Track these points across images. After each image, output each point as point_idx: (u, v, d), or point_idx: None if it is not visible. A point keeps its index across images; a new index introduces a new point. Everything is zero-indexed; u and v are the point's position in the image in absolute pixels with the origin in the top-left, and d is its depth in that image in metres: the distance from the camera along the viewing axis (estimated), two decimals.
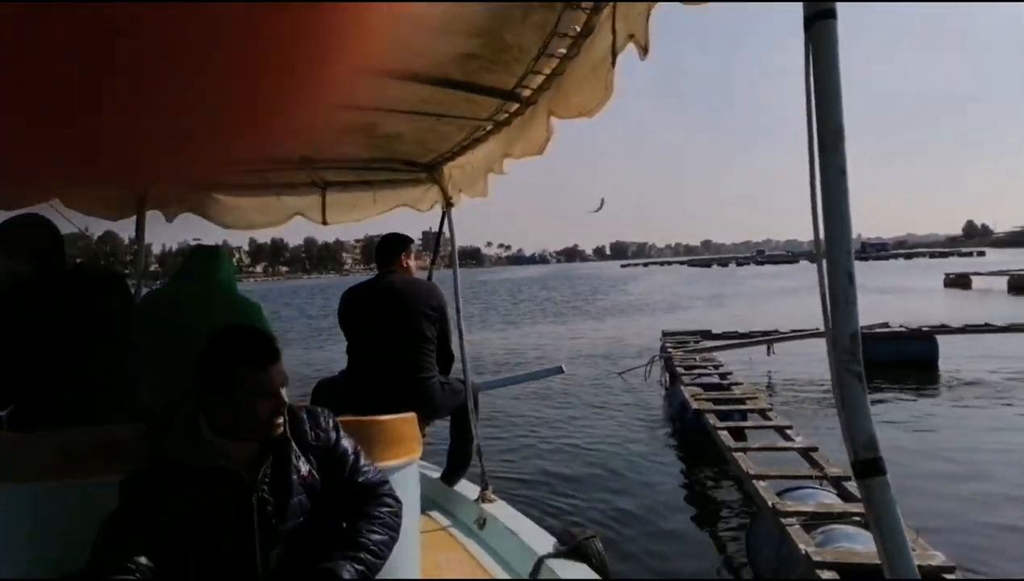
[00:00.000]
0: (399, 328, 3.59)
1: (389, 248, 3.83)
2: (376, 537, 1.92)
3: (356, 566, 1.83)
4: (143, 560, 1.71)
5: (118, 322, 2.66)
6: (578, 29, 2.06)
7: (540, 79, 2.50)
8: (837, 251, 0.92)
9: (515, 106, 2.82)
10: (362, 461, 2.04)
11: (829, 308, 0.91)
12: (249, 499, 1.83)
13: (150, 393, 2.90)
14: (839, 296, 0.91)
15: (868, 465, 0.90)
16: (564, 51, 2.23)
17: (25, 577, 2.12)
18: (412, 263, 3.87)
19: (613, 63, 1.91)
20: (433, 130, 3.37)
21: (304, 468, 1.92)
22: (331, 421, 2.06)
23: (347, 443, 2.04)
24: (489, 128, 3.19)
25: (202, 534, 1.81)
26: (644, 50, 1.71)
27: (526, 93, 2.67)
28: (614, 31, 1.83)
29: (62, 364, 2.48)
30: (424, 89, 2.67)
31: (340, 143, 3.65)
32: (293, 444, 1.93)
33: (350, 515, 1.98)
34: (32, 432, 2.40)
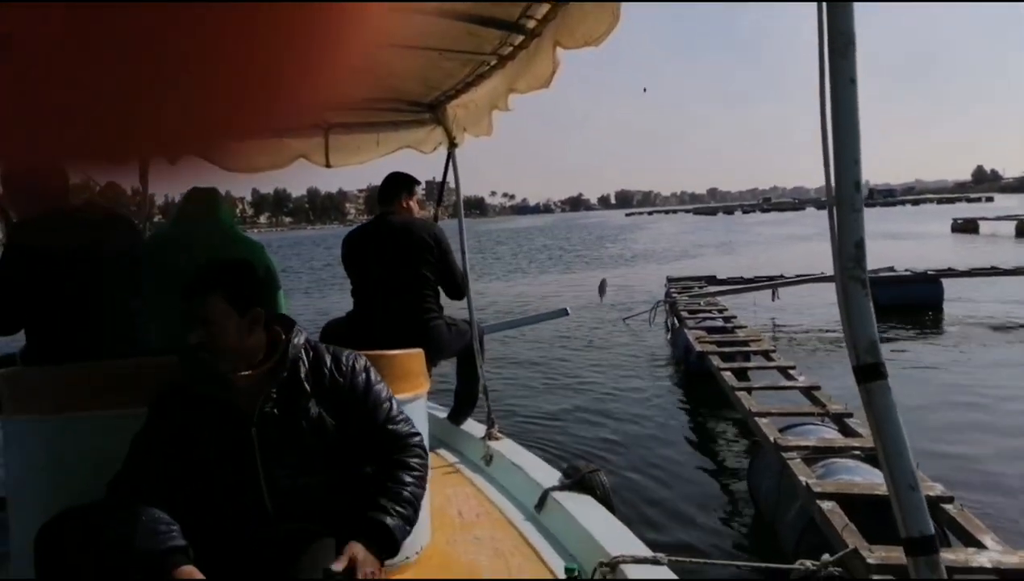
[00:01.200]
0: (399, 270, 3.59)
1: (388, 188, 3.79)
2: (415, 490, 1.94)
3: (399, 518, 1.86)
4: (156, 482, 1.80)
5: (124, 260, 2.69)
6: None
7: (545, 8, 2.45)
8: (846, 159, 0.92)
9: (520, 39, 2.77)
10: (395, 410, 2.04)
11: (835, 214, 0.92)
12: (248, 432, 1.87)
13: (157, 329, 2.95)
14: (845, 203, 0.91)
15: (870, 369, 0.92)
16: None
17: (40, 505, 2.18)
18: (414, 204, 3.83)
19: None
20: (436, 67, 3.32)
21: (314, 410, 1.92)
22: (361, 364, 2.05)
23: (381, 389, 2.04)
24: (493, 63, 3.15)
25: (204, 460, 1.86)
26: None
27: (531, 24, 2.63)
28: None
29: (71, 299, 2.52)
30: (426, 21, 2.62)
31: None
32: (306, 385, 1.94)
33: (382, 462, 1.99)
34: (45, 367, 2.45)
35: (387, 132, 4.57)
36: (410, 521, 1.90)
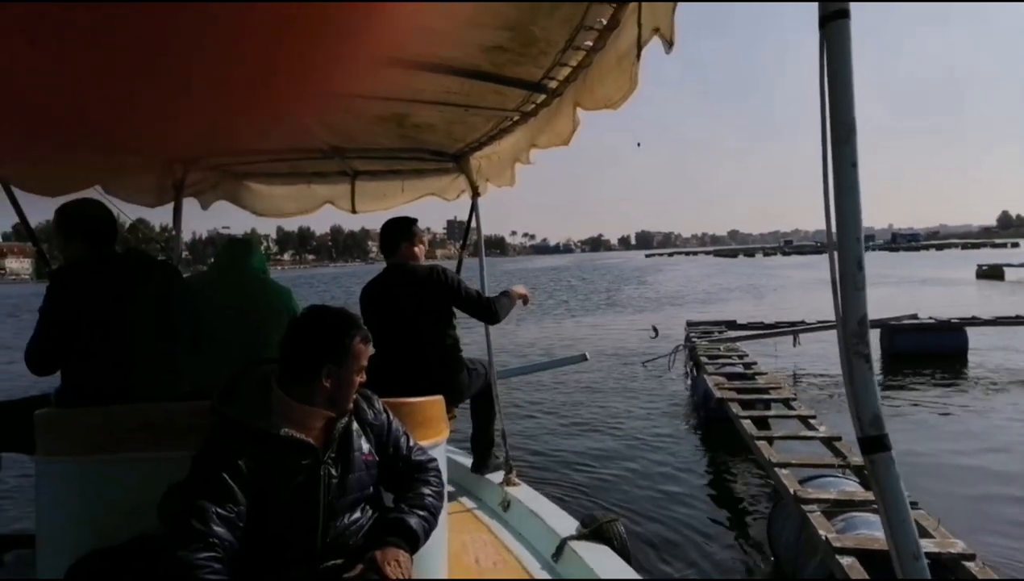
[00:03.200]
0: (417, 321, 3.57)
1: (388, 238, 3.73)
2: (434, 501, 2.07)
3: (419, 518, 1.98)
4: (223, 531, 1.74)
5: (162, 305, 2.78)
6: (604, 22, 2.10)
7: (566, 71, 2.55)
8: (848, 239, 0.98)
9: (541, 97, 2.87)
10: (412, 441, 2.19)
11: (839, 292, 0.97)
12: (318, 470, 1.92)
13: (193, 372, 3.03)
14: (848, 282, 0.97)
15: (874, 441, 0.96)
16: (591, 43, 2.27)
17: (69, 545, 2.21)
18: (419, 248, 3.73)
19: (638, 56, 1.95)
20: (461, 121, 3.44)
21: (365, 446, 2.03)
22: (381, 403, 2.18)
23: (398, 424, 2.18)
24: (516, 118, 3.25)
25: (271, 500, 1.87)
26: (669, 44, 1.75)
27: (552, 84, 2.72)
28: (639, 25, 1.88)
29: (109, 344, 2.61)
30: (452, 80, 2.74)
31: (370, 132, 3.73)
32: (359, 425, 2.05)
33: (402, 487, 2.11)
34: (79, 408, 2.52)
35: (412, 180, 4.71)
36: (430, 525, 2.01)
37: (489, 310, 3.66)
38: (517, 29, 2.22)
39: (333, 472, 1.94)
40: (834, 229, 0.99)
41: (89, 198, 2.98)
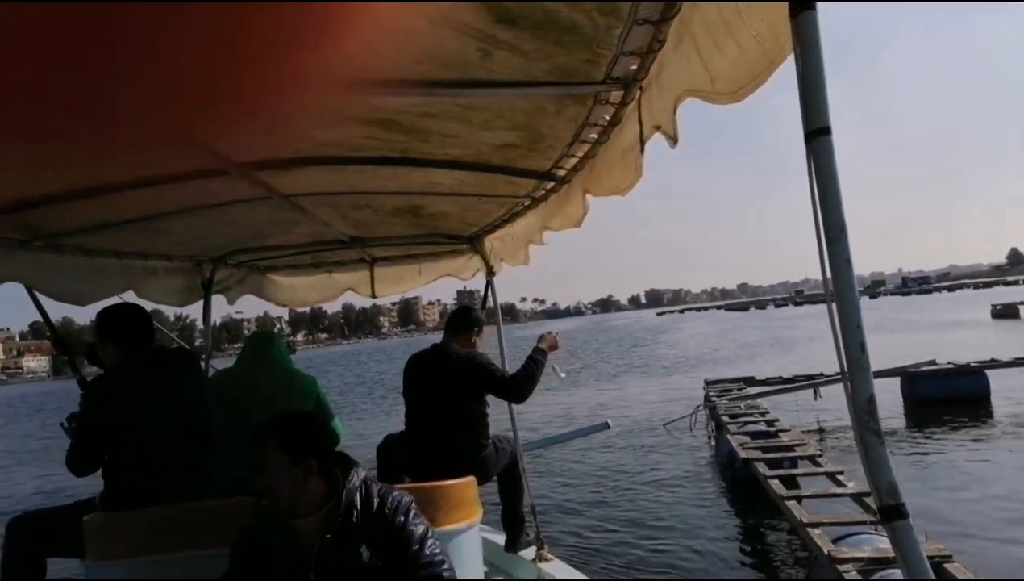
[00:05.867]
0: (453, 399, 3.64)
1: (459, 321, 3.85)
2: None
3: None
4: None
5: (194, 402, 2.89)
6: (607, 120, 2.26)
7: (574, 161, 2.70)
8: (849, 326, 1.09)
9: (551, 185, 3.03)
10: (428, 547, 2.07)
11: (847, 374, 1.07)
12: (307, 577, 1.98)
13: (222, 468, 3.13)
14: (854, 365, 1.07)
15: (891, 510, 1.04)
16: (596, 137, 2.43)
17: None
18: (478, 342, 3.84)
19: (642, 149, 2.09)
20: (474, 208, 3.61)
21: (365, 554, 2.01)
22: (406, 503, 2.11)
23: (417, 527, 2.09)
24: (527, 204, 3.42)
25: None
26: (674, 140, 1.87)
27: (561, 173, 2.88)
28: (640, 123, 2.03)
29: (146, 448, 2.71)
30: (466, 174, 2.91)
31: (387, 223, 3.92)
32: (359, 529, 2.02)
33: None
34: (123, 512, 2.61)
35: (428, 262, 4.89)
36: None
37: (515, 391, 3.65)
38: (526, 129, 2.40)
39: (324, 578, 1.98)
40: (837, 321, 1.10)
41: (127, 303, 3.14)
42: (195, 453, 2.84)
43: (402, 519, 2.07)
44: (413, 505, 2.13)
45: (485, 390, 3.67)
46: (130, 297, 3.88)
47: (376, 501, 2.08)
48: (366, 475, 2.17)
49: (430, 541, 2.08)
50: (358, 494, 2.08)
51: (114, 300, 3.33)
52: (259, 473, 2.01)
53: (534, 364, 3.66)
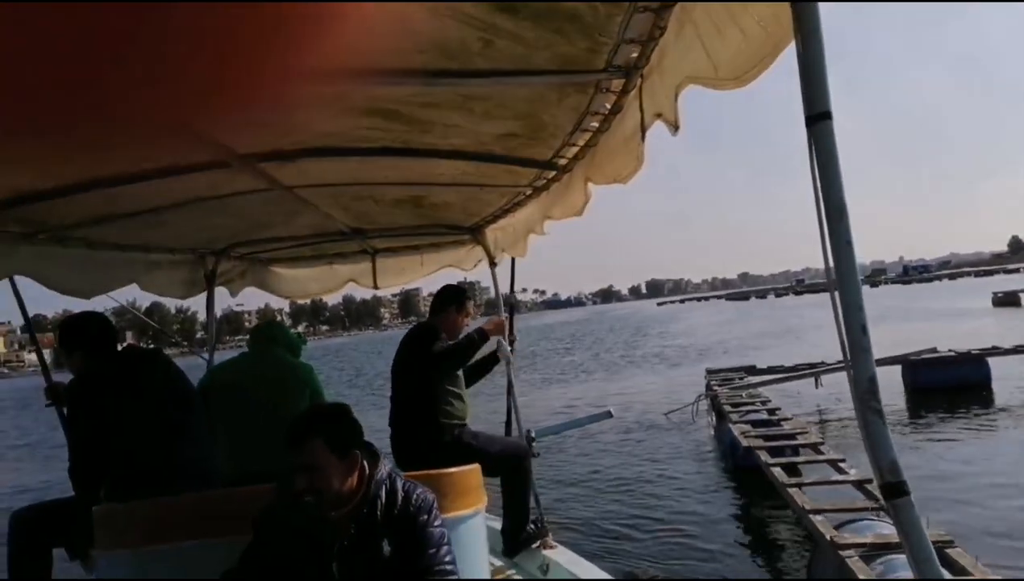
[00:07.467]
0: (406, 379, 3.47)
1: (438, 300, 3.68)
2: None
3: None
4: None
5: (164, 395, 2.90)
6: (608, 108, 2.27)
7: (575, 150, 2.71)
8: (850, 308, 1.10)
9: (553, 173, 3.04)
10: (443, 552, 2.07)
11: (848, 356, 1.09)
12: (330, 567, 2.00)
13: (225, 456, 3.16)
14: (855, 346, 1.08)
15: (893, 487, 1.06)
16: (597, 125, 2.44)
17: None
18: (462, 320, 3.61)
19: (643, 137, 2.10)
20: (476, 198, 3.62)
21: (386, 548, 2.02)
22: (429, 502, 2.10)
23: (436, 529, 2.08)
24: (529, 193, 3.43)
25: None
26: (675, 127, 1.88)
27: (563, 162, 2.89)
28: (641, 110, 2.04)
29: (129, 444, 2.74)
30: (468, 164, 2.92)
31: (389, 214, 3.93)
32: (382, 523, 2.03)
33: None
34: (131, 502, 2.64)
35: (430, 253, 4.90)
36: None
37: (435, 363, 3.38)
38: (527, 118, 2.40)
39: (345, 568, 2.00)
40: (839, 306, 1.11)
41: (88, 311, 3.13)
42: (173, 443, 2.84)
43: (424, 518, 2.07)
44: (435, 505, 2.13)
45: (418, 363, 3.42)
46: (133, 290, 3.92)
47: (401, 496, 2.08)
48: (391, 467, 2.18)
49: (445, 547, 2.09)
50: (384, 487, 2.08)
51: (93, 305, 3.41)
52: (303, 470, 1.97)
53: (465, 340, 3.51)
